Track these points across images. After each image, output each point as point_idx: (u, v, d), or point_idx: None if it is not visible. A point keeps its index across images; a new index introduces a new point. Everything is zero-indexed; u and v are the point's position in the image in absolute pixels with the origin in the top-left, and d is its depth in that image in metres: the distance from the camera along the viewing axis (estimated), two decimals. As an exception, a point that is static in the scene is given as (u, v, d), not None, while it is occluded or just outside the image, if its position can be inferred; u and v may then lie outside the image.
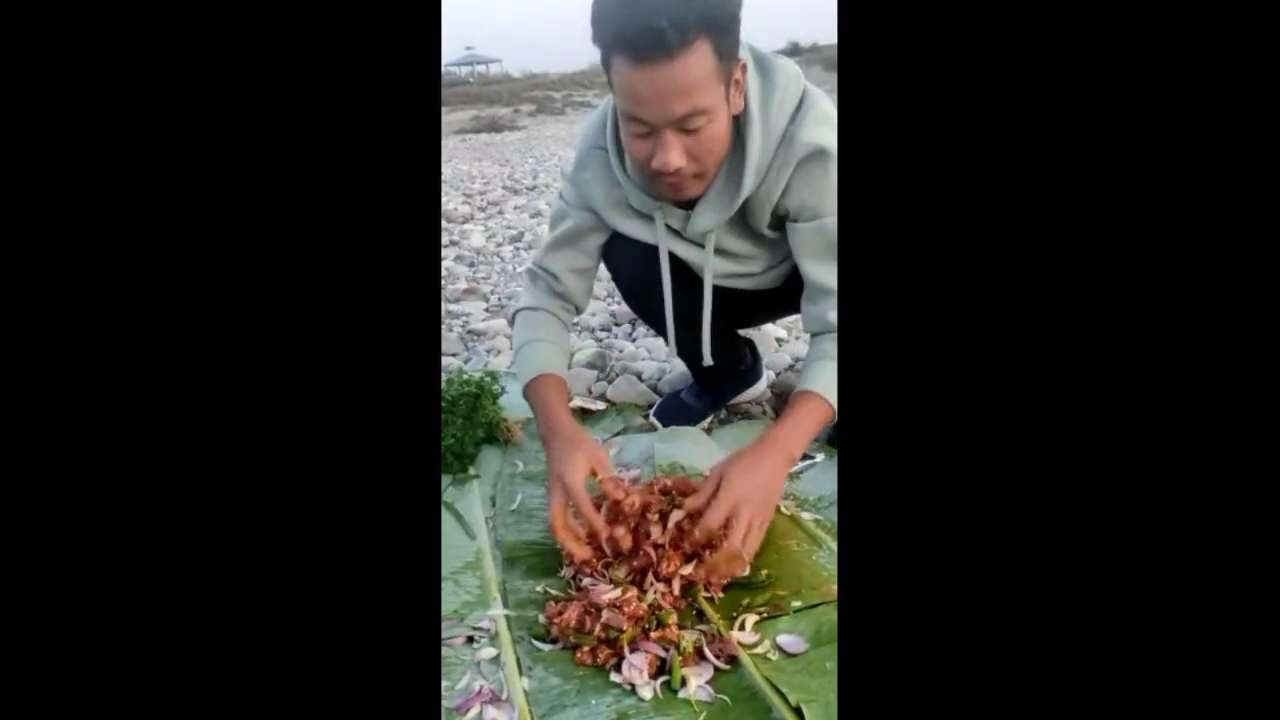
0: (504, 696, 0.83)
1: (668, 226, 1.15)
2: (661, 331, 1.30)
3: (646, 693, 0.82)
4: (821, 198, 1.07)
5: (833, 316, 1.10)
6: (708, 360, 1.25)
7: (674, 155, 0.94)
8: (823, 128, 1.05)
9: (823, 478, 1.25)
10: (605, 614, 0.87)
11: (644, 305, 1.33)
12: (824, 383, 1.06)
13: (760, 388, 1.58)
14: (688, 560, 0.96)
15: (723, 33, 0.89)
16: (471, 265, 2.99)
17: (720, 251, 1.17)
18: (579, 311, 1.29)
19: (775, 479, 0.99)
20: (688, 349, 1.31)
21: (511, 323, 1.26)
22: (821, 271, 1.11)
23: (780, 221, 1.14)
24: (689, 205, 1.10)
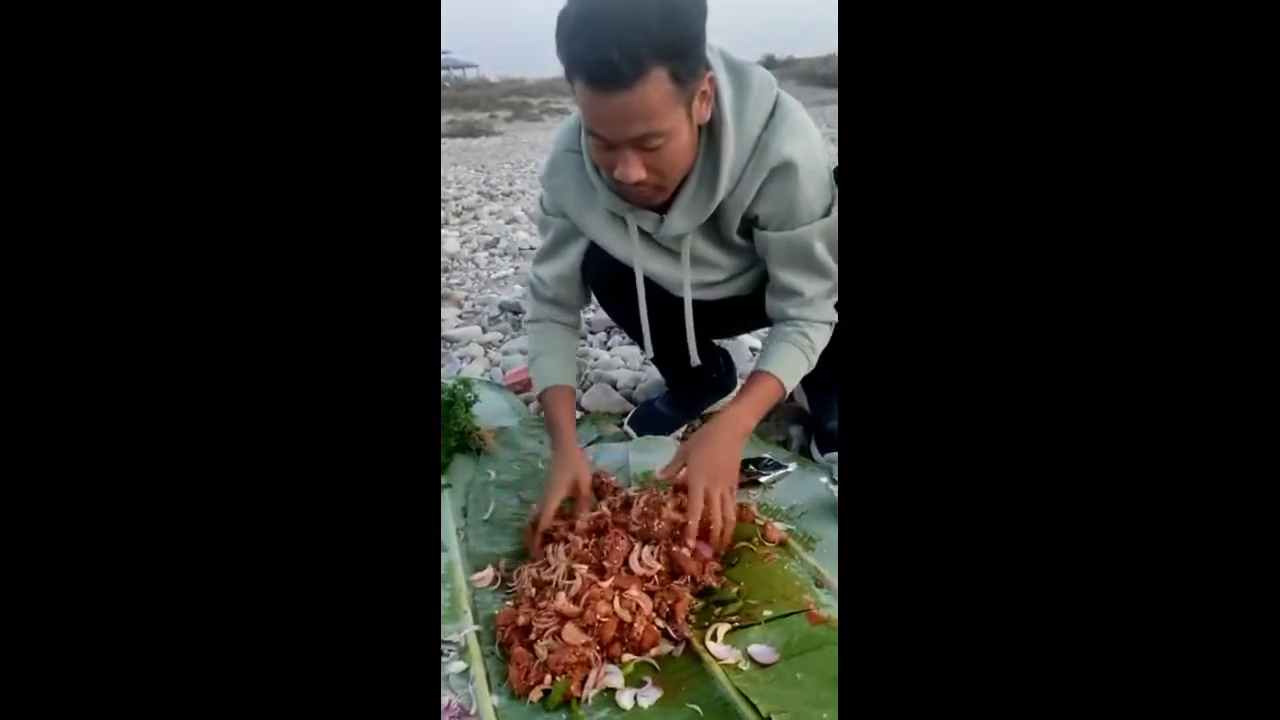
0: (473, 712, 0.82)
1: (640, 231, 1.15)
2: (635, 335, 1.30)
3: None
4: (792, 209, 1.08)
5: (794, 311, 1.16)
6: (695, 360, 1.27)
7: (634, 169, 0.97)
8: (796, 140, 1.05)
9: (795, 488, 1.25)
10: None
11: (616, 308, 1.33)
12: (778, 363, 1.14)
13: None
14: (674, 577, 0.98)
15: (680, 59, 0.90)
16: (445, 271, 2.97)
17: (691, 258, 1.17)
18: (580, 310, 1.31)
19: (732, 453, 1.11)
20: (668, 353, 1.31)
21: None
22: (790, 276, 1.15)
23: (748, 228, 1.15)
24: (662, 209, 1.11)
